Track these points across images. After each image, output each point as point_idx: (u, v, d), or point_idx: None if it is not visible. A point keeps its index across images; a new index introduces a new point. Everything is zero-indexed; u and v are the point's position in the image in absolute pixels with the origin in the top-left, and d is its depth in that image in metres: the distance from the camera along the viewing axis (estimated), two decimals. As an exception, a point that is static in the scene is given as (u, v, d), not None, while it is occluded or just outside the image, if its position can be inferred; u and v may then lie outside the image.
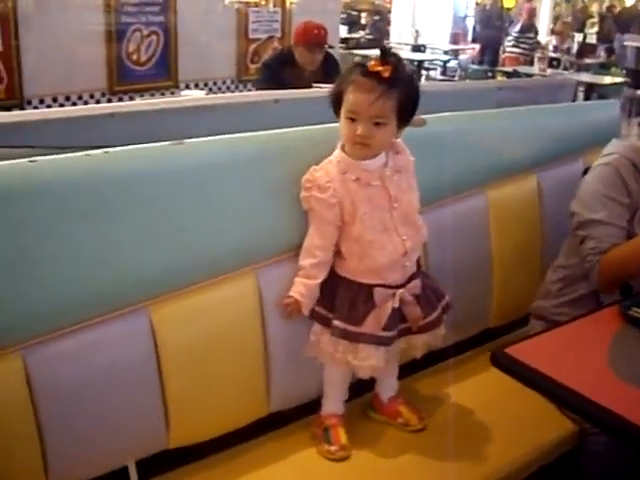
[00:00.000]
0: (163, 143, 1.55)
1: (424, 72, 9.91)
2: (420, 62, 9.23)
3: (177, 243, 1.55)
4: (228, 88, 6.30)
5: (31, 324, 1.41)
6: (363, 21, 12.41)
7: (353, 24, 12.48)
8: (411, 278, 1.68)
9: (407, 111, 1.61)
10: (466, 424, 1.81)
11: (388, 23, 12.45)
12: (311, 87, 3.72)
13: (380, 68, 1.54)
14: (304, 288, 1.63)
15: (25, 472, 1.41)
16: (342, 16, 12.81)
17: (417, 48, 10.33)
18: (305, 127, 1.75)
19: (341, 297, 1.64)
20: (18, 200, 1.38)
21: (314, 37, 4.11)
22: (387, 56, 1.56)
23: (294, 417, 1.81)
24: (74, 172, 1.44)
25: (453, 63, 10.41)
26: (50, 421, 1.42)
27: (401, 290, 1.64)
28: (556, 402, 1.71)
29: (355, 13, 12.95)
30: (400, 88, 1.56)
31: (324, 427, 1.72)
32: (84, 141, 1.74)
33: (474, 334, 2.19)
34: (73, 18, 5.16)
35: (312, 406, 1.79)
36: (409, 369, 1.93)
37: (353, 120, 1.57)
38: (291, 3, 6.42)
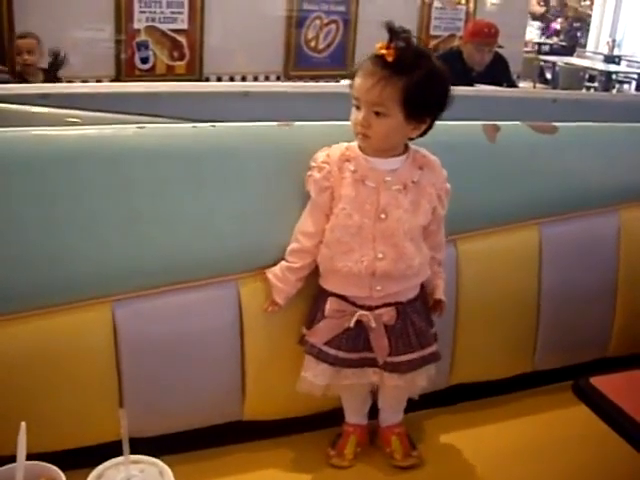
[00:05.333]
0: (271, 123, 1.58)
1: (617, 85, 9.39)
2: (609, 74, 8.74)
3: (269, 222, 1.57)
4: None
5: (126, 279, 1.50)
6: (558, 27, 11.94)
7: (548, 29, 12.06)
8: (386, 306, 1.51)
9: (416, 105, 1.41)
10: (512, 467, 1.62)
11: (587, 31, 11.92)
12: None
13: (384, 51, 1.38)
14: (279, 269, 1.54)
15: (103, 418, 1.48)
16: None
17: (611, 59, 9.79)
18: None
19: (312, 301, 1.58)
20: (127, 162, 1.48)
21: (483, 35, 4.01)
22: (396, 38, 1.39)
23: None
24: (180, 141, 1.52)
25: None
26: (131, 373, 1.50)
27: (362, 312, 1.50)
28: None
29: (553, 19, 12.52)
30: (408, 76, 1.38)
31: (339, 432, 1.64)
32: (216, 116, 1.79)
33: (589, 360, 2.06)
34: (257, 2, 5.38)
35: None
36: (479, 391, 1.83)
37: (358, 108, 1.44)
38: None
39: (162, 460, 1.23)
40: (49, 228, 1.43)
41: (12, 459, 1.12)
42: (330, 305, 1.52)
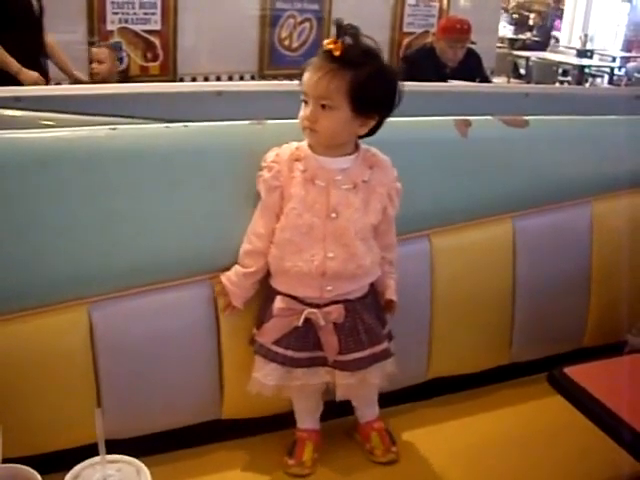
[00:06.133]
0: (243, 122, 1.58)
1: (590, 79, 9.49)
2: (582, 68, 8.82)
3: (243, 221, 1.56)
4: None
5: (102, 281, 1.49)
6: (531, 22, 12.02)
7: (521, 25, 12.14)
8: (334, 303, 1.50)
9: (363, 99, 1.41)
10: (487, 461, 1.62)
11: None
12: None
13: (331, 46, 1.39)
14: (234, 275, 1.53)
15: (81, 421, 1.47)
16: (514, 16, 12.59)
17: (583, 53, 9.88)
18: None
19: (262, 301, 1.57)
20: (100, 163, 1.48)
21: (456, 32, 4.03)
22: (343, 34, 1.40)
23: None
24: (153, 141, 1.52)
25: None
26: (108, 375, 1.50)
27: (311, 310, 1.48)
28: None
29: (526, 14, 12.59)
30: (355, 70, 1.38)
31: (293, 440, 1.60)
32: (189, 116, 1.79)
33: (565, 351, 2.08)
34: (230, 2, 5.36)
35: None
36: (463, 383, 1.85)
37: (306, 103, 1.44)
38: None
39: (140, 461, 1.22)
40: (23, 230, 1.42)
41: (-11, 463, 1.11)
42: (278, 304, 1.50)
